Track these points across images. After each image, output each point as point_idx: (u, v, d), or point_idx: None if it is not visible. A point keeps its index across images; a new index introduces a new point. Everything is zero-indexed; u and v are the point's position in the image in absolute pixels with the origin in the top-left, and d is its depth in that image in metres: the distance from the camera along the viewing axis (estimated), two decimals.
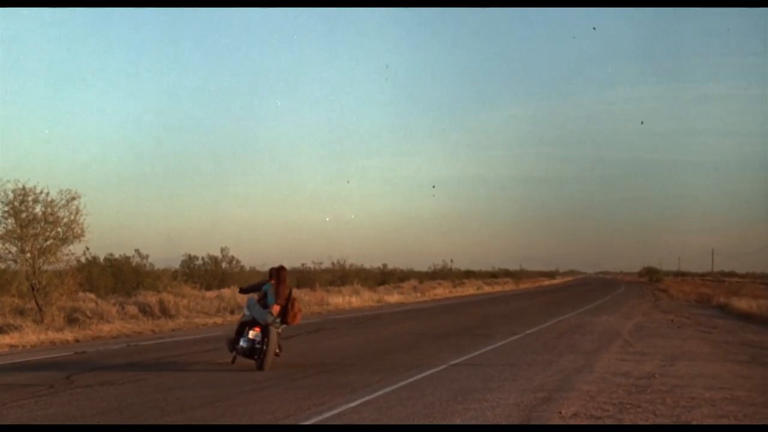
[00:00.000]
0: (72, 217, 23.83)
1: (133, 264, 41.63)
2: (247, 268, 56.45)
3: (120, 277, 38.57)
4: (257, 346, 14.11)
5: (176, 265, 51.61)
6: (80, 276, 26.48)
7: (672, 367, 14.52)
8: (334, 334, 22.40)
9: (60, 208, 23.73)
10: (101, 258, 41.41)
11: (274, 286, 14.50)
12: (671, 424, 9.66)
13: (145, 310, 28.50)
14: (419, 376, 13.06)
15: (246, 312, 14.71)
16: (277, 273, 14.70)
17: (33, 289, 23.40)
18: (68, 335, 21.44)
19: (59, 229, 23.81)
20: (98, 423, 9.46)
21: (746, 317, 34.53)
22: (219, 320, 28.09)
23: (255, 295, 14.82)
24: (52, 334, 21.25)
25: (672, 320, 28.86)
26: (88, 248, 36.18)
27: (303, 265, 73.22)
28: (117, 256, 44.04)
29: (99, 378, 13.10)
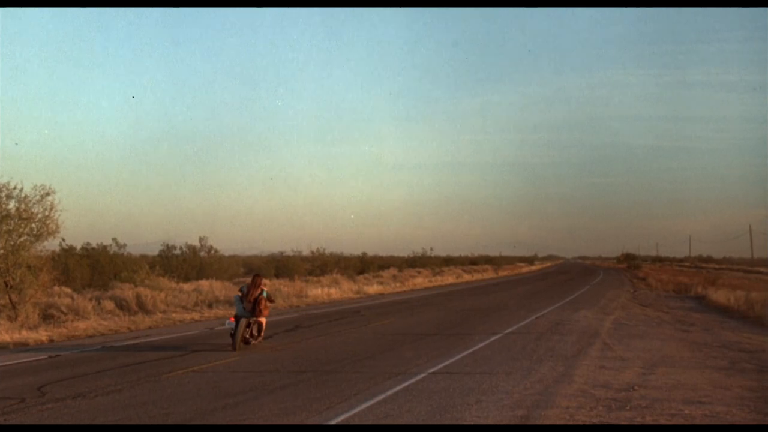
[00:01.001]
0: (46, 213, 23.52)
1: (111, 252, 41.25)
2: (227, 255, 55.99)
3: (97, 268, 38.16)
4: (232, 332, 18.43)
5: (156, 251, 51.38)
6: (56, 272, 26.17)
7: (652, 375, 14.41)
8: (312, 332, 22.20)
9: (34, 204, 23.41)
10: (78, 247, 41.07)
11: (249, 288, 18.73)
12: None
13: (122, 305, 28.21)
14: (397, 388, 12.86)
15: None
16: (252, 279, 19.08)
17: (7, 286, 23.05)
18: (42, 334, 21.14)
19: (33, 225, 23.48)
20: None
21: (724, 310, 34.71)
22: (197, 316, 27.83)
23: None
24: (26, 333, 20.95)
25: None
26: (63, 239, 35.95)
27: (281, 252, 72.91)
28: (94, 245, 43.68)
29: (72, 389, 12.87)
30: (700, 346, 19.44)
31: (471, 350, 18.02)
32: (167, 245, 48.59)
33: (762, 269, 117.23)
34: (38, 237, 23.45)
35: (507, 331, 22.19)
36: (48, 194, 23.49)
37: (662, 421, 10.50)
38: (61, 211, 23.62)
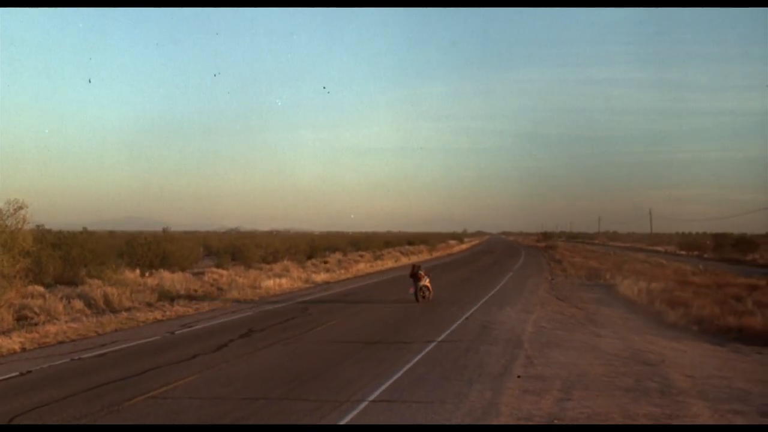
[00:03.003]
0: (18, 226, 22.79)
1: (81, 240, 40.49)
2: (189, 230, 55.01)
3: (68, 260, 37.27)
4: (413, 295, 31.97)
5: (123, 226, 50.96)
6: (27, 280, 25.45)
7: (569, 402, 14.31)
8: (263, 340, 21.77)
9: (8, 217, 22.66)
10: (51, 234, 40.23)
11: (413, 270, 32.81)
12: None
13: (90, 304, 27.60)
14: (340, 423, 12.58)
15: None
16: (412, 267, 33.35)
17: None
18: (15, 340, 20.61)
19: (6, 238, 22.71)
20: None
21: (630, 304, 35.45)
22: (159, 314, 27.30)
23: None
24: (0, 340, 20.35)
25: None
26: (38, 226, 35.04)
27: (237, 228, 72.10)
28: (65, 232, 42.94)
29: (41, 422, 12.40)
30: (611, 358, 19.46)
31: (409, 366, 17.69)
32: (132, 235, 48.14)
33: (659, 248, 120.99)
34: (10, 249, 22.67)
35: (440, 339, 22.03)
36: (21, 208, 22.78)
37: None
38: (31, 224, 22.95)
